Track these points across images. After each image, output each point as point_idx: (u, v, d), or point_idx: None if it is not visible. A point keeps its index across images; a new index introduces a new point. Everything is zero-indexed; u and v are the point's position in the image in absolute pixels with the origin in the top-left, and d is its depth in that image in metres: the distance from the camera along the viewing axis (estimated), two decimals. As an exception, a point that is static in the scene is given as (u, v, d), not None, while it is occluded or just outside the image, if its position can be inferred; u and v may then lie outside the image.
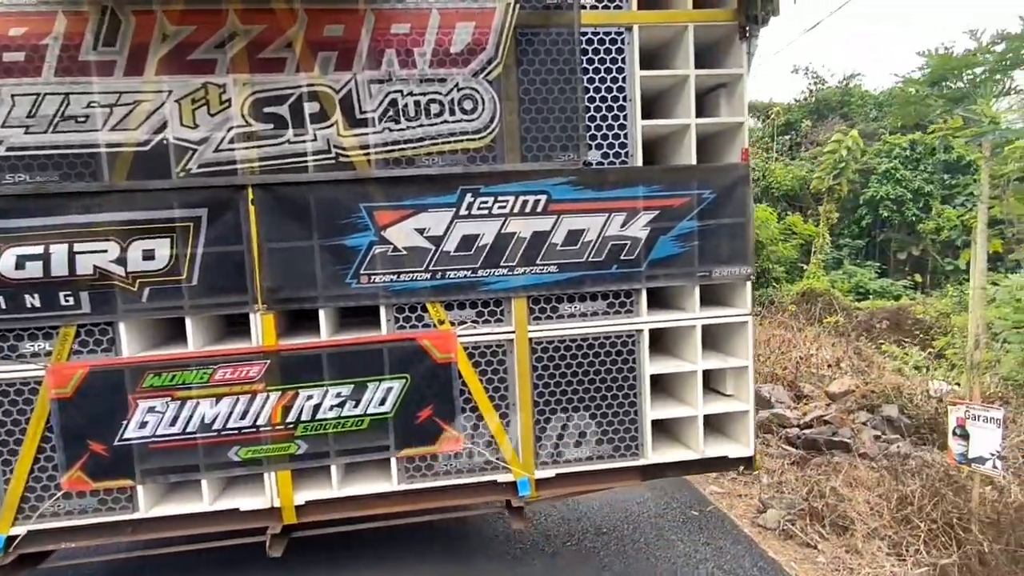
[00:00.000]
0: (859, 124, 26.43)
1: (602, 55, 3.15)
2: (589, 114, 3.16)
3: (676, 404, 3.51)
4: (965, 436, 3.58)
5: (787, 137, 28.42)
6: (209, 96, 2.86)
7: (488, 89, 3.03)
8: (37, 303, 2.84)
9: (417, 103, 2.99)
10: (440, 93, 3.00)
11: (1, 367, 2.87)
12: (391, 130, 2.99)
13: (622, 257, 3.21)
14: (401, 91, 2.97)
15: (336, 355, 3.07)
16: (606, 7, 3.13)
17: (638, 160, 3.21)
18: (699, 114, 3.32)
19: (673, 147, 3.49)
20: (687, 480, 4.46)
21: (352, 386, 3.09)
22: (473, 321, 3.18)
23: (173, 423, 2.98)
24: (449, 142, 3.04)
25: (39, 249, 2.80)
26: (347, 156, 2.97)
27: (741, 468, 3.49)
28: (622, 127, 3.20)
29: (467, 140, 3.05)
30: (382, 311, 3.09)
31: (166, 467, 3.01)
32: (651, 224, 3.21)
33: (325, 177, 2.96)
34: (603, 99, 3.17)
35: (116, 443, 2.95)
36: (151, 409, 2.96)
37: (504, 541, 3.89)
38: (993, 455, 3.47)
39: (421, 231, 3.06)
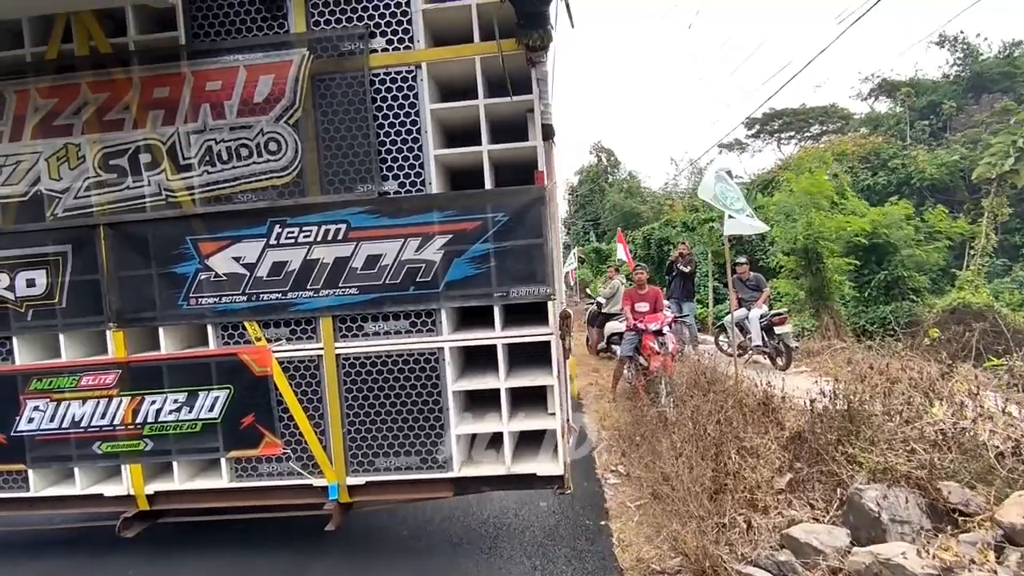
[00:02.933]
0: (1028, 101, 21.92)
1: (395, 92, 3.40)
2: (386, 147, 3.42)
3: (491, 420, 3.60)
4: None
5: (926, 122, 24.99)
6: (69, 153, 3.52)
7: (290, 132, 3.41)
8: (-45, 321, 3.65)
9: (229, 148, 3.44)
10: (248, 138, 3.43)
11: (-63, 371, 3.72)
12: (209, 172, 3.46)
13: (419, 279, 3.41)
14: (215, 139, 3.44)
15: (173, 367, 3.57)
16: (396, 48, 3.39)
17: (434, 188, 3.40)
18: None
19: (502, 173, 3.66)
20: None
21: (186, 394, 3.57)
22: (287, 339, 3.54)
23: (52, 420, 3.65)
24: (260, 180, 3.45)
25: (-46, 280, 3.61)
26: (175, 197, 3.48)
27: (556, 487, 3.50)
28: (417, 158, 3.42)
29: (274, 177, 3.44)
30: (209, 329, 3.55)
31: (48, 456, 3.68)
32: (445, 248, 3.38)
33: (157, 216, 3.49)
34: (398, 133, 3.41)
35: (12, 434, 3.67)
36: (36, 408, 3.65)
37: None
38: None
39: (237, 259, 3.49)
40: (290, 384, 3.53)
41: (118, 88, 3.47)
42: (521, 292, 3.39)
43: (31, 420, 3.65)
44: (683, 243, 11.92)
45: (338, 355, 3.50)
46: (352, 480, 3.53)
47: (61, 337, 3.64)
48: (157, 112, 3.46)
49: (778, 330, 8.31)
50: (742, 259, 9.30)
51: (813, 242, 11.42)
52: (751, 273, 9.24)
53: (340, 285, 3.44)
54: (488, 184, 3.42)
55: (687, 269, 10.22)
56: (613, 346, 9.34)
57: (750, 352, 8.66)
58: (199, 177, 3.47)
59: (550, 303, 3.41)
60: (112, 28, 3.49)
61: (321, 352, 3.50)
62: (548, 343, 3.44)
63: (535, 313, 3.58)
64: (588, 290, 20.47)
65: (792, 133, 32.07)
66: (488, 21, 3.33)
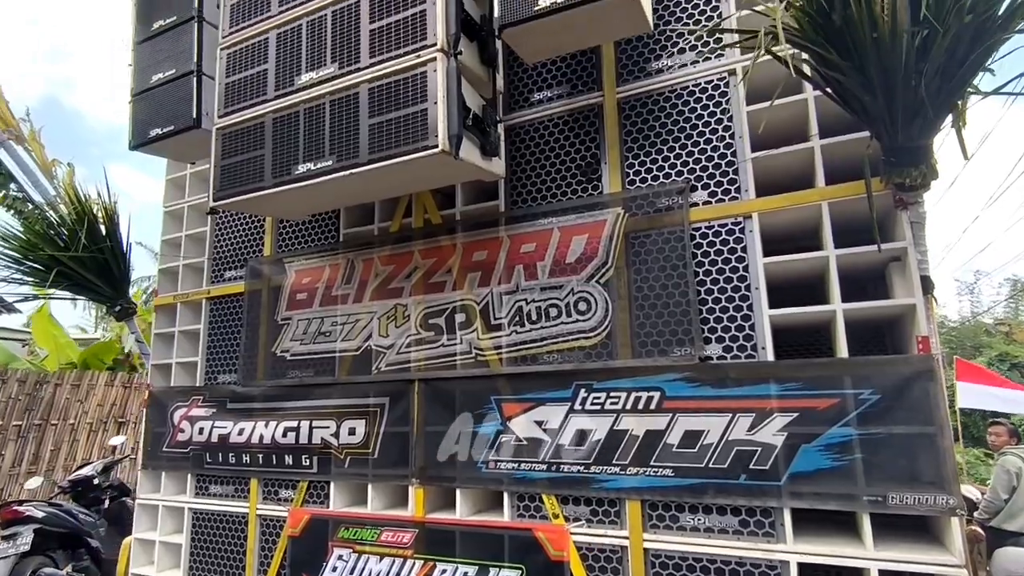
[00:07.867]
0: None
1: (719, 246, 3.05)
2: (707, 306, 3.02)
3: None
4: None
5: None
6: (397, 313, 3.84)
7: (600, 291, 3.24)
8: (290, 462, 4.04)
9: (538, 308, 3.39)
10: (558, 298, 3.34)
11: (270, 506, 4.11)
12: (517, 332, 3.42)
13: (752, 466, 2.76)
14: (526, 299, 3.43)
15: (466, 534, 3.37)
16: (720, 200, 3.08)
17: (768, 353, 2.84)
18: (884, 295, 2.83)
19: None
20: None
21: (476, 567, 3.30)
22: (587, 520, 3.11)
23: (351, 572, 3.67)
24: (566, 340, 3.29)
25: (295, 423, 4.04)
26: (484, 356, 3.50)
27: None
28: (746, 318, 2.93)
29: (581, 338, 3.25)
30: (505, 497, 3.32)
31: (344, 610, 3.67)
32: (788, 429, 2.72)
33: (467, 373, 3.52)
34: (722, 290, 3.00)
35: (317, 580, 3.77)
36: (340, 557, 3.72)
37: None
38: None
39: (540, 423, 3.28)
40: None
41: (443, 254, 3.75)
42: (907, 499, 2.49)
43: (335, 569, 3.72)
44: None
45: (647, 549, 2.93)
46: None
47: (369, 487, 3.75)
48: (475, 274, 3.62)
49: None
50: None
51: None
52: None
53: (652, 463, 2.96)
54: (843, 352, 2.74)
55: None
56: None
57: None
58: (507, 337, 3.45)
59: (954, 520, 2.44)
60: (441, 200, 3.88)
61: (626, 542, 2.98)
62: (952, 578, 2.42)
63: (903, 520, 2.63)
64: None
65: None
66: (831, 162, 2.88)
